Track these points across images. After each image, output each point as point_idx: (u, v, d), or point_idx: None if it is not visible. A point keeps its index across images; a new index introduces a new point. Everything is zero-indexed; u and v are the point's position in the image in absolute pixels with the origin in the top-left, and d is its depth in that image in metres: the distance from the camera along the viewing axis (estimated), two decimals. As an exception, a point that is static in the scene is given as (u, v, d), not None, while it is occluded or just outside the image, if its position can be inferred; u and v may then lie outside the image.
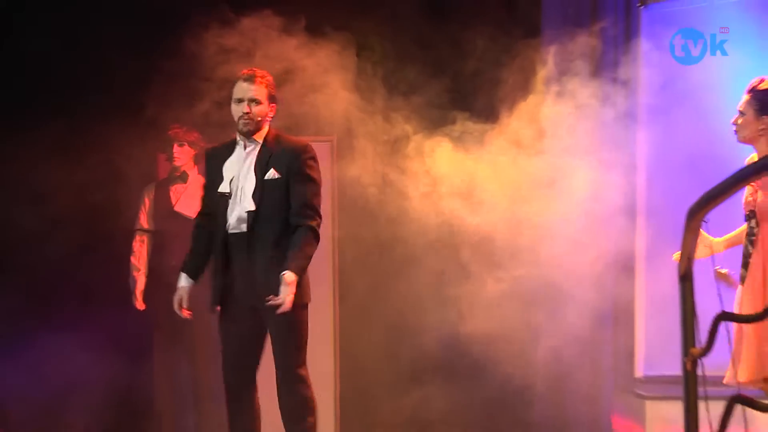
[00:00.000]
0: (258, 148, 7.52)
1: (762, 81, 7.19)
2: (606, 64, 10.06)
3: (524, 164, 9.15)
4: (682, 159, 9.32)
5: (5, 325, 10.81)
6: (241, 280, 7.46)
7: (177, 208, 10.16)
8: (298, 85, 8.74)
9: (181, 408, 10.40)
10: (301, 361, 7.51)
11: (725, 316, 4.89)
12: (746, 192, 7.21)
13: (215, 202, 7.56)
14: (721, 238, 7.38)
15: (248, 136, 7.50)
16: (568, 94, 9.41)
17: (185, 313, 7.63)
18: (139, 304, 10.19)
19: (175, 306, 7.59)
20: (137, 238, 10.27)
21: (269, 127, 7.62)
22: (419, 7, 10.18)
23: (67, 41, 10.51)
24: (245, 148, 7.52)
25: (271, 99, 7.62)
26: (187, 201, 10.14)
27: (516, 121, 9.27)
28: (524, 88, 9.47)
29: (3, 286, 10.84)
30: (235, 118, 7.46)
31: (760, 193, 7.06)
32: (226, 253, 7.49)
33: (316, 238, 7.55)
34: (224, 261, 7.49)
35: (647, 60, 9.97)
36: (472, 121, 9.37)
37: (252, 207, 7.41)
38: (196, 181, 10.13)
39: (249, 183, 7.45)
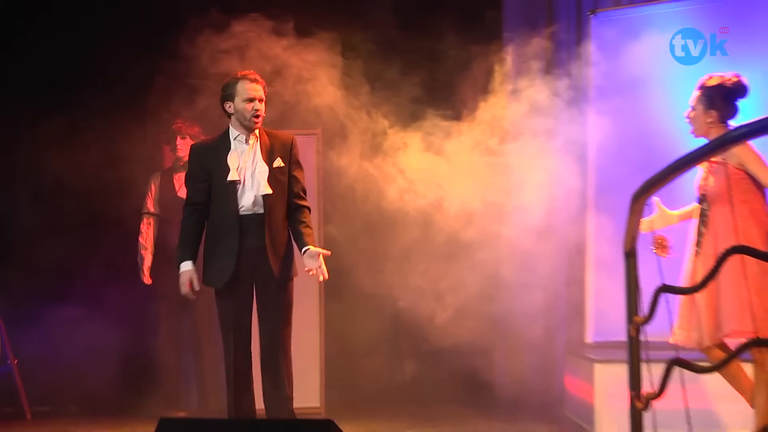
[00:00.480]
0: (258, 141, 7.49)
1: (710, 78, 7.24)
2: (559, 64, 10.06)
3: (488, 153, 9.13)
4: (627, 148, 9.28)
5: (34, 296, 10.95)
6: (250, 257, 7.42)
7: (180, 194, 10.15)
8: (287, 81, 8.68)
9: (184, 367, 10.48)
10: (289, 325, 7.56)
11: (665, 289, 4.89)
12: (699, 177, 7.24)
13: (219, 190, 7.44)
14: (676, 211, 7.46)
15: (253, 130, 7.48)
16: (525, 90, 9.38)
17: (194, 294, 7.55)
18: (147, 279, 10.24)
19: (186, 289, 7.50)
20: (144, 220, 10.31)
21: None
22: (398, 13, 10.14)
23: (91, 45, 10.51)
24: (247, 141, 7.47)
25: None
26: None
27: (480, 113, 9.24)
28: (487, 84, 9.46)
29: (31, 262, 11.01)
30: (247, 116, 7.38)
31: (711, 179, 7.10)
32: (240, 234, 7.45)
33: None
34: (239, 241, 7.43)
35: (596, 61, 9.96)
36: (442, 115, 9.34)
37: (269, 191, 7.40)
38: (197, 169, 10.15)
39: (260, 171, 7.42)
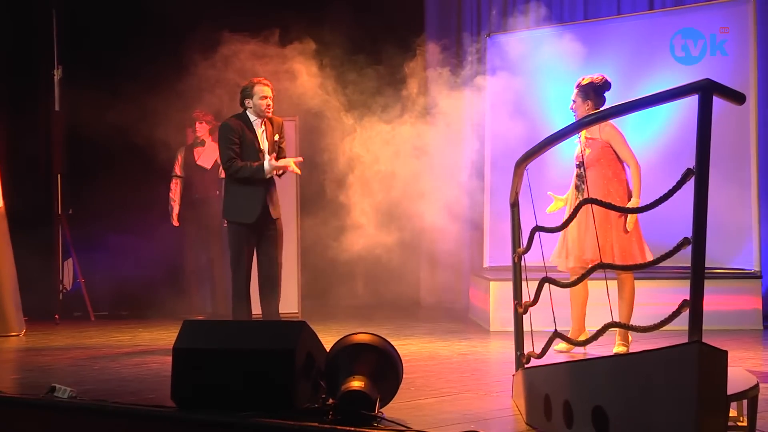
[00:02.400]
0: (265, 124, 7.59)
1: (584, 78, 7.15)
2: (466, 72, 9.95)
3: (416, 129, 9.02)
4: (514, 127, 9.14)
5: (97, 231, 10.91)
6: (265, 199, 7.49)
7: (198, 163, 10.23)
8: (275, 79, 8.52)
9: (201, 281, 10.47)
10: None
11: (538, 228, 4.86)
12: (577, 150, 7.15)
13: (248, 154, 7.52)
14: (561, 199, 7.29)
15: (264, 118, 7.57)
16: (441, 86, 9.28)
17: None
18: (175, 222, 10.26)
19: (280, 170, 7.56)
20: (173, 180, 10.31)
21: None
22: (357, 29, 10.01)
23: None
24: (261, 125, 7.57)
25: None
26: (205, 158, 10.25)
27: (412, 104, 9.13)
28: (416, 82, 9.36)
29: (94, 206, 11.02)
30: (263, 109, 7.50)
31: (588, 150, 7.02)
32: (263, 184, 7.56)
33: None
34: (263, 188, 7.51)
35: (490, 68, 9.93)
36: (386, 104, 9.20)
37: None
38: (210, 146, 10.16)
39: (272, 143, 7.57)
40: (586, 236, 6.93)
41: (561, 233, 7.06)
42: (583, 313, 7.12)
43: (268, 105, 7.56)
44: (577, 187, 7.14)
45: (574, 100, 7.18)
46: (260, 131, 7.59)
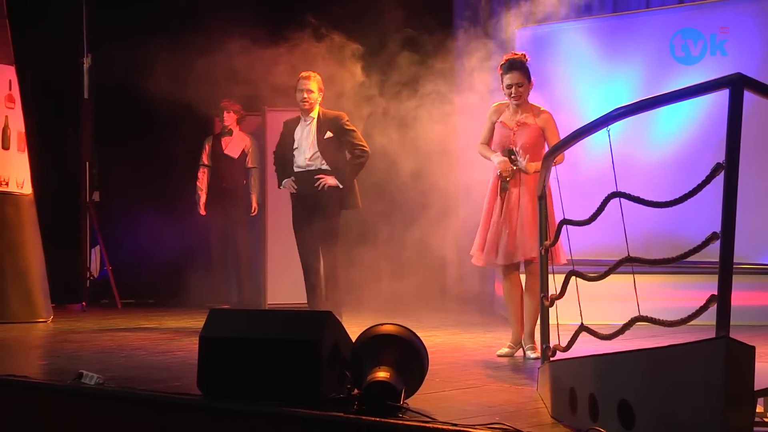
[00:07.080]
0: (318, 119, 7.73)
1: (524, 55, 6.73)
2: (495, 65, 9.91)
3: (448, 122, 9.01)
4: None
5: (124, 218, 11.07)
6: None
7: (226, 152, 10.31)
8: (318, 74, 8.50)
9: (228, 270, 10.59)
10: None
11: (565, 222, 4.85)
12: (508, 133, 6.68)
13: (285, 150, 7.88)
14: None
15: (304, 111, 7.74)
16: (470, 81, 9.24)
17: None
18: (202, 211, 10.36)
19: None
20: (201, 170, 10.40)
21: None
22: (389, 23, 9.99)
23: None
24: (311, 121, 7.74)
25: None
26: (232, 147, 10.32)
27: (440, 98, 9.10)
28: (444, 76, 9.36)
29: (122, 194, 11.22)
30: (298, 101, 7.72)
31: (521, 135, 6.61)
32: None
33: None
34: None
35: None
36: (410, 91, 9.18)
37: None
38: (238, 135, 10.23)
39: (313, 140, 7.75)
40: (534, 230, 6.30)
41: (482, 230, 6.75)
42: (522, 311, 6.74)
43: (303, 98, 7.63)
44: (503, 177, 6.59)
45: (519, 84, 6.61)
46: (305, 128, 7.68)
